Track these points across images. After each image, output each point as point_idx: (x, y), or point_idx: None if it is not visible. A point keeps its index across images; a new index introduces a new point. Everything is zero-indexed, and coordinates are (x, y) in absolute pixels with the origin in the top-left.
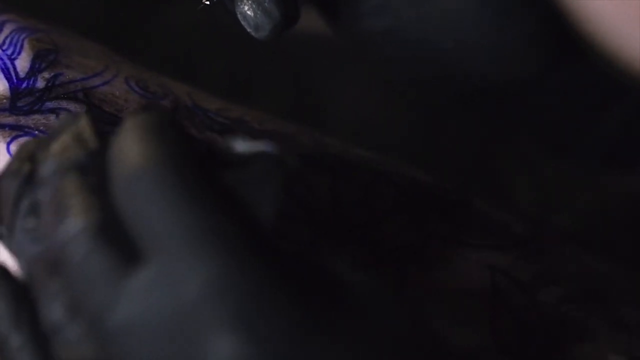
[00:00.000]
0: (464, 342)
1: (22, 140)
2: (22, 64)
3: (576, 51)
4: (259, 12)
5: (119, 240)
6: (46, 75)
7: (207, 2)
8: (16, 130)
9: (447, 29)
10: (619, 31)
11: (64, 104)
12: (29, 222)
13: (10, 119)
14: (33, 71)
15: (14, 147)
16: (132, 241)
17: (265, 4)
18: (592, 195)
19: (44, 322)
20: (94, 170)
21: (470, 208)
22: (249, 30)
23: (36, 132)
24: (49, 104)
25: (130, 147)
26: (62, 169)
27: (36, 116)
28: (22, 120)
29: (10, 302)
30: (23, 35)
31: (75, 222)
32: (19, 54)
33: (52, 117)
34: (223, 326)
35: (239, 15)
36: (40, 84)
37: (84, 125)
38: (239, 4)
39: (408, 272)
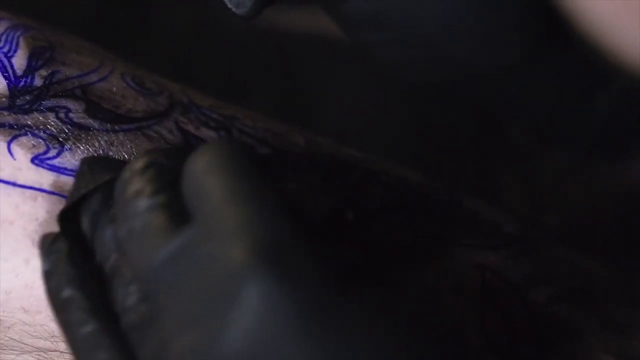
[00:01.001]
0: None
1: (22, 139)
2: (19, 61)
3: (562, 38)
4: None
5: (178, 216)
6: (43, 72)
7: None
8: (16, 130)
9: (433, 13)
10: (612, 24)
11: (63, 102)
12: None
13: (9, 118)
14: (30, 69)
15: (14, 146)
16: (189, 217)
17: None
18: (583, 194)
19: (116, 307)
20: (170, 170)
21: (461, 208)
22: (229, 6)
23: (36, 130)
24: (48, 103)
25: (203, 156)
26: (143, 166)
27: (35, 115)
28: (22, 119)
29: (76, 265)
30: (18, 33)
31: (142, 202)
32: (15, 51)
33: (51, 116)
34: (255, 268)
35: None
36: (38, 81)
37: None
38: None
39: (398, 272)
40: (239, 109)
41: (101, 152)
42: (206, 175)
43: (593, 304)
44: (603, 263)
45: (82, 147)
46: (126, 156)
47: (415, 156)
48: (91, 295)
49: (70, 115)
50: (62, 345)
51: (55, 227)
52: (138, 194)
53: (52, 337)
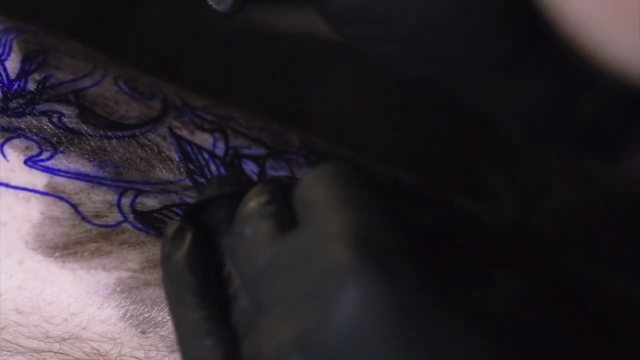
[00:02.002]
0: None
1: (16, 141)
2: (12, 65)
3: (546, 35)
4: None
5: (287, 224)
6: (37, 77)
7: None
8: (9, 132)
9: (419, 8)
10: (591, 27)
11: (56, 106)
12: None
13: (2, 121)
14: (23, 72)
15: (7, 149)
16: (297, 223)
17: None
18: (573, 194)
19: (229, 305)
20: (285, 186)
21: (452, 208)
22: (210, 3)
23: (29, 134)
24: (41, 107)
25: (313, 171)
26: (263, 183)
27: (29, 118)
28: (15, 122)
29: (195, 252)
30: (11, 36)
31: (254, 211)
32: (8, 55)
33: (44, 120)
34: (357, 266)
35: None
36: (31, 85)
37: None
38: None
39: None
40: (233, 108)
41: (95, 156)
42: (315, 184)
43: (583, 305)
44: (593, 264)
45: (75, 151)
46: (119, 162)
47: (407, 156)
48: (209, 286)
49: (64, 120)
50: (56, 346)
51: (49, 229)
52: (252, 205)
53: (46, 337)
